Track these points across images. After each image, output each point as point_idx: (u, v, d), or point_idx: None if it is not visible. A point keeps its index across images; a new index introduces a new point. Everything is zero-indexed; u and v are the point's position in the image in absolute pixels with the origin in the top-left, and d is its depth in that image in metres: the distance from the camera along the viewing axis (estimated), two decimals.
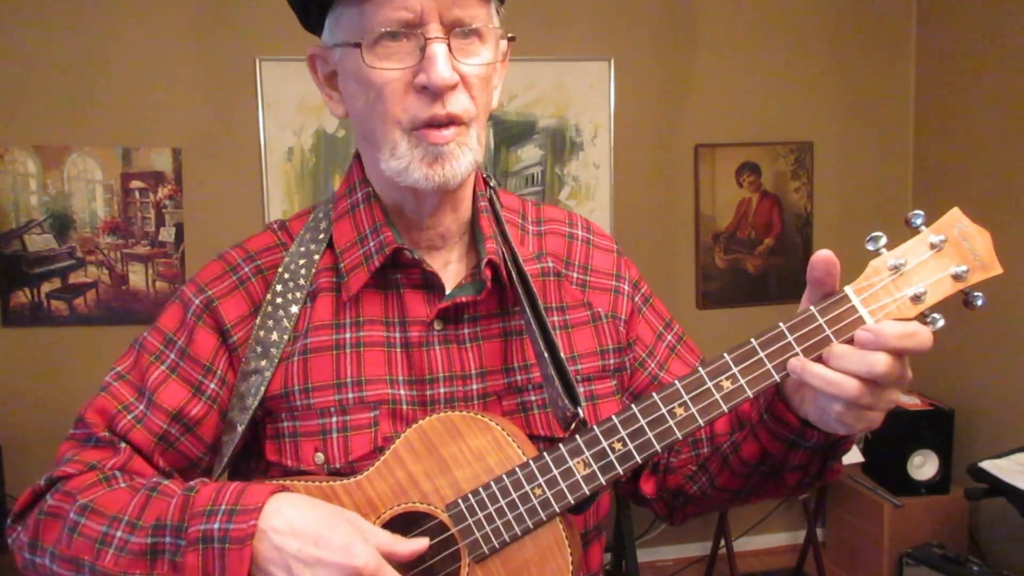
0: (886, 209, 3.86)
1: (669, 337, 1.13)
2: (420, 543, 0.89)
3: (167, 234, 3.37)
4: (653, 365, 1.11)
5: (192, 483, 0.91)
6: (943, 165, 3.69)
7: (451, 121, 0.91)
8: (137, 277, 3.36)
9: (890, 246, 0.86)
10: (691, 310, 3.76)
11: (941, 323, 0.84)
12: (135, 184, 3.33)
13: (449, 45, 0.89)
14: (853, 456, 3.30)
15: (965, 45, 3.54)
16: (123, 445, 0.96)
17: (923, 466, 3.40)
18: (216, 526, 0.85)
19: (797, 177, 3.81)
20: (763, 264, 3.81)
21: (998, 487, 2.54)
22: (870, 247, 0.87)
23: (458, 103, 0.91)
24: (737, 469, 0.99)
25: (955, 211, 0.87)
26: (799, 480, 0.98)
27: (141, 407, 0.97)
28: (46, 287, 3.30)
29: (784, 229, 3.81)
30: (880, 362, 0.80)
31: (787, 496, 1.02)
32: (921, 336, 0.81)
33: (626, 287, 1.10)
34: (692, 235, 3.75)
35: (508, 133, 3.53)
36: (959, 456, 3.35)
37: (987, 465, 2.60)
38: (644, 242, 3.66)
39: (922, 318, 0.85)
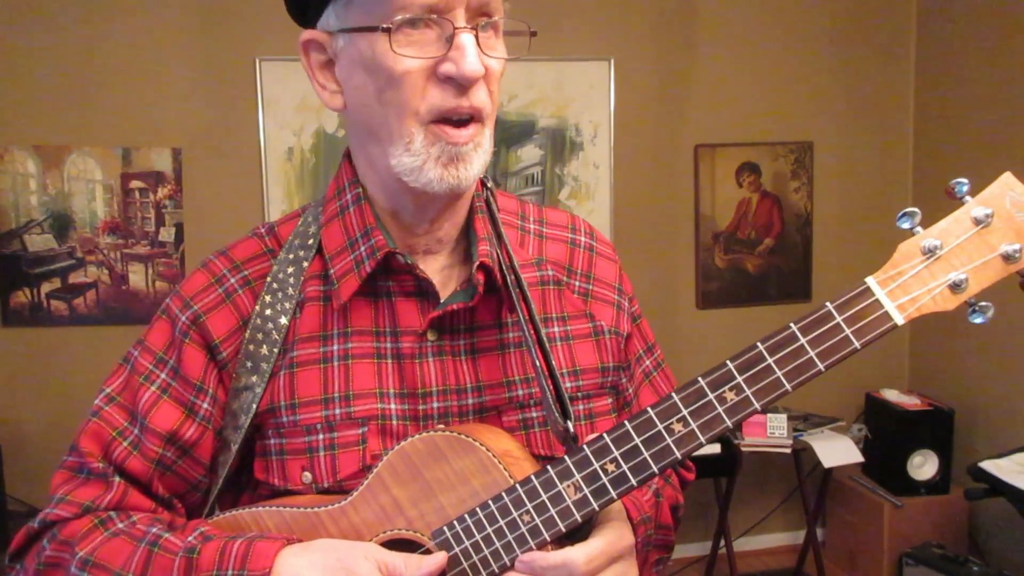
0: (886, 209, 3.85)
1: (647, 362, 1.08)
2: None
3: (167, 234, 3.37)
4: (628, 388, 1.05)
5: (192, 540, 0.88)
6: (943, 165, 3.69)
7: (472, 116, 0.87)
8: (137, 277, 3.36)
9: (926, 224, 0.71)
10: (691, 310, 3.76)
11: (992, 313, 0.71)
12: (135, 184, 3.33)
13: (476, 36, 0.85)
14: (853, 456, 3.30)
15: (965, 45, 3.53)
16: (116, 480, 0.93)
17: (923, 466, 3.40)
18: None
19: (797, 177, 3.80)
20: (763, 264, 3.81)
21: (998, 487, 2.54)
22: (904, 225, 0.73)
23: (479, 97, 0.86)
24: None
25: (1007, 176, 0.73)
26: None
27: (135, 432, 0.93)
28: (46, 287, 3.30)
29: (784, 229, 3.81)
30: None
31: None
32: (569, 568, 0.80)
33: (626, 303, 1.05)
34: (692, 235, 3.75)
35: (508, 133, 3.52)
36: (959, 456, 3.35)
37: (987, 465, 2.59)
38: (644, 242, 3.66)
39: (966, 307, 0.73)
